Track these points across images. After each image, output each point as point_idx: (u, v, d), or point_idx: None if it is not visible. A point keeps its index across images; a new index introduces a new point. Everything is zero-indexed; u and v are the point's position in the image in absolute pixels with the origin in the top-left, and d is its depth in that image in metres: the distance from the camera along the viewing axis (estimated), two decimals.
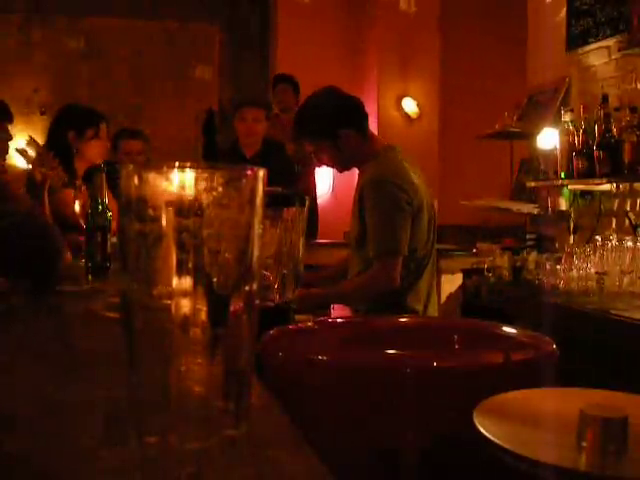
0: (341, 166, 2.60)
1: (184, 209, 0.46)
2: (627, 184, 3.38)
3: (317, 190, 5.85)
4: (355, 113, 2.54)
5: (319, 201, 6.20)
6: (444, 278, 3.85)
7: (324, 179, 6.40)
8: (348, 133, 2.46)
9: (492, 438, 0.55)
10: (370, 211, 2.38)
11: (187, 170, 0.47)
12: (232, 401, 0.49)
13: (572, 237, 3.78)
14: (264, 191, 0.50)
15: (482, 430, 0.57)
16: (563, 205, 3.95)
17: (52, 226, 1.51)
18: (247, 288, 0.49)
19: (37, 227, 1.46)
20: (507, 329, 0.98)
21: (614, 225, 3.55)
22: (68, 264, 1.60)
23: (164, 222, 0.47)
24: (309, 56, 6.21)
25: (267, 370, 0.76)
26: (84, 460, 0.53)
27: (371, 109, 6.31)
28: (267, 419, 0.62)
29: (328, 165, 2.64)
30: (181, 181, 0.47)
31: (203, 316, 0.47)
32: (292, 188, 3.77)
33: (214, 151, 5.95)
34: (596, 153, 3.38)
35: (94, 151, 3.17)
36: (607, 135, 3.33)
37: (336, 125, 2.45)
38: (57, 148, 3.15)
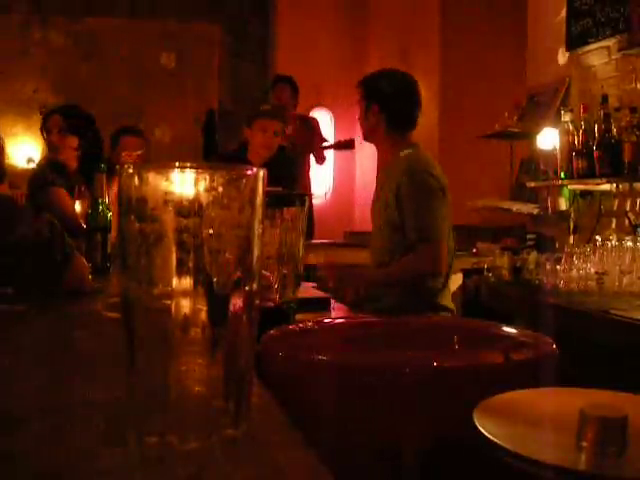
0: (375, 133, 2.75)
1: (184, 209, 0.46)
2: (627, 184, 3.38)
3: (314, 190, 5.87)
4: (416, 104, 2.76)
5: (319, 201, 6.21)
6: None
7: (324, 179, 6.40)
8: (402, 111, 2.70)
9: (492, 438, 0.55)
10: (410, 198, 2.52)
11: (187, 170, 0.47)
12: (232, 401, 0.49)
13: (572, 237, 3.78)
14: (264, 191, 0.50)
15: (482, 430, 0.57)
16: (563, 205, 3.95)
17: (61, 235, 1.52)
18: (247, 288, 0.49)
19: (45, 240, 1.47)
20: (507, 329, 0.98)
21: (614, 225, 3.55)
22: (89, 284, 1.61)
23: (164, 222, 0.47)
24: (309, 56, 6.21)
25: (267, 370, 0.76)
26: (84, 460, 0.53)
27: None
28: (267, 419, 0.62)
29: (365, 126, 2.78)
30: (181, 181, 0.47)
31: (203, 316, 0.47)
32: (292, 188, 3.74)
33: (214, 151, 5.94)
34: (596, 153, 3.38)
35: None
36: (607, 135, 3.33)
37: (400, 99, 2.71)
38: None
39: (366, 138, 2.86)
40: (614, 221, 3.57)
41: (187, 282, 0.47)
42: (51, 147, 3.20)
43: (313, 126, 5.65)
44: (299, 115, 5.54)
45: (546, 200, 4.09)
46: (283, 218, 1.13)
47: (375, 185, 2.91)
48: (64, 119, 3.15)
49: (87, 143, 3.17)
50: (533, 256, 3.36)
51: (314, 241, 4.78)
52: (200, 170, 0.47)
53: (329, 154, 5.98)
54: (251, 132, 3.67)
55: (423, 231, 2.51)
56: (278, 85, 5.29)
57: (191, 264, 0.47)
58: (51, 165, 3.15)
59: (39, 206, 2.91)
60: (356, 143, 5.82)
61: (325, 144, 5.74)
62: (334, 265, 2.90)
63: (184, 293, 0.47)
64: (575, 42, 3.89)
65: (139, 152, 3.48)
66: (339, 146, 5.81)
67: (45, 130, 3.20)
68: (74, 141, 3.14)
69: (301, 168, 5.31)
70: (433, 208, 2.53)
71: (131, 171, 0.48)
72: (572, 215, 3.86)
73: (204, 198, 0.47)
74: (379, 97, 2.72)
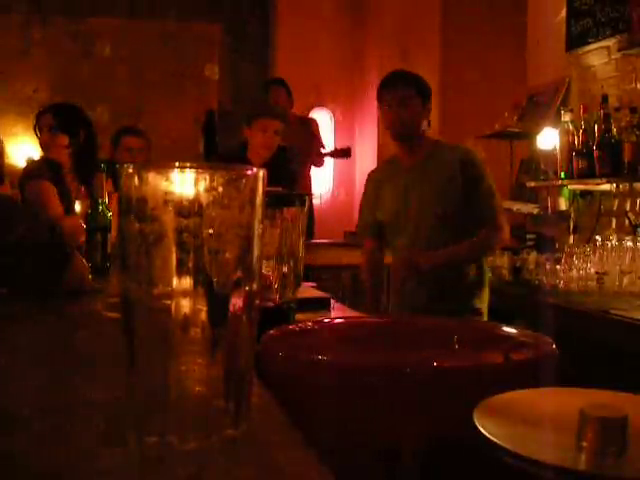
0: (410, 126, 2.85)
1: (184, 209, 0.46)
2: (627, 184, 3.38)
3: (314, 191, 5.86)
4: None
5: (319, 201, 6.20)
6: None
7: (324, 180, 6.40)
8: (429, 111, 2.96)
9: (492, 438, 0.55)
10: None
11: (187, 170, 0.47)
12: (232, 401, 0.49)
13: (572, 237, 3.78)
14: (264, 191, 0.50)
15: (482, 430, 0.57)
16: (563, 205, 3.95)
17: (61, 235, 1.52)
18: (247, 288, 0.49)
19: (44, 240, 1.47)
20: (507, 329, 0.98)
21: (614, 225, 3.55)
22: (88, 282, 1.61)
23: (164, 222, 0.47)
24: (309, 56, 6.21)
25: (267, 370, 0.76)
26: (84, 460, 0.53)
27: (371, 109, 6.31)
28: (267, 419, 0.62)
29: (403, 117, 2.84)
30: (181, 181, 0.47)
31: (203, 316, 0.47)
32: (292, 188, 3.74)
33: (214, 151, 5.94)
34: (596, 153, 3.38)
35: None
36: (607, 135, 3.33)
37: (430, 99, 2.96)
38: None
39: (411, 136, 2.86)
40: (614, 221, 3.56)
41: (187, 282, 0.47)
42: (43, 146, 3.21)
43: (311, 127, 5.65)
44: (298, 116, 5.55)
45: (546, 200, 4.09)
46: (283, 218, 1.13)
47: (400, 183, 2.87)
48: (54, 117, 3.15)
49: (78, 142, 3.16)
50: (533, 256, 3.37)
51: (314, 241, 4.78)
52: (200, 170, 0.47)
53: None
54: (251, 132, 3.67)
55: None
56: (273, 87, 5.28)
57: (191, 264, 0.47)
58: (46, 162, 3.15)
59: (23, 197, 2.92)
60: (352, 151, 5.81)
61: (322, 151, 5.74)
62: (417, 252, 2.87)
63: (184, 293, 0.47)
64: (575, 42, 3.89)
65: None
66: (336, 154, 5.79)
67: (38, 129, 3.21)
68: (64, 139, 3.13)
69: (301, 168, 5.31)
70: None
71: (131, 171, 0.48)
72: (572, 215, 3.86)
73: (204, 198, 0.47)
74: (430, 97, 2.94)
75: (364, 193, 3.12)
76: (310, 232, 5.06)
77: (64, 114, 3.19)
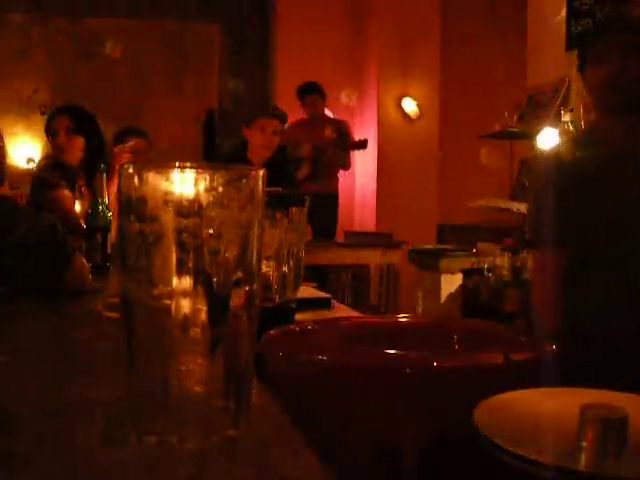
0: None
1: (184, 209, 0.46)
2: None
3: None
4: None
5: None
6: (444, 278, 3.85)
7: None
8: None
9: (492, 438, 0.55)
10: None
11: (187, 170, 0.47)
12: (232, 401, 0.49)
13: None
14: (264, 191, 0.50)
15: (482, 430, 0.57)
16: None
17: (62, 235, 1.52)
18: (247, 288, 0.49)
19: (45, 240, 1.47)
20: (507, 329, 0.98)
21: None
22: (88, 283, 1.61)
23: (164, 222, 0.47)
24: (309, 56, 6.21)
25: (267, 370, 0.76)
26: (84, 460, 0.53)
27: (371, 109, 6.31)
28: (267, 419, 0.62)
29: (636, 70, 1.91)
30: (181, 181, 0.47)
31: (203, 316, 0.47)
32: (292, 188, 3.75)
33: (214, 151, 5.95)
34: None
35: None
36: None
37: None
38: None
39: (620, 101, 1.95)
40: None
41: (187, 282, 0.47)
42: (57, 148, 3.18)
43: (346, 129, 5.64)
44: (332, 119, 5.58)
45: None
46: (283, 218, 1.13)
47: (629, 173, 1.93)
48: (71, 120, 3.13)
49: (91, 144, 3.15)
50: None
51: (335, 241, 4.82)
52: (200, 170, 0.47)
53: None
54: (250, 132, 3.69)
55: None
56: (309, 97, 5.34)
57: (191, 264, 0.47)
58: (55, 166, 3.13)
59: (40, 206, 2.91)
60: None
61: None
62: None
63: (184, 293, 0.47)
64: (575, 42, 3.89)
65: (131, 143, 3.44)
66: (352, 146, 5.75)
67: (50, 131, 3.18)
68: (81, 142, 3.12)
69: (332, 169, 5.36)
70: None
71: (131, 171, 0.48)
72: None
73: (204, 198, 0.47)
74: None
75: (561, 182, 1.97)
76: (332, 231, 5.12)
77: (79, 116, 3.18)
